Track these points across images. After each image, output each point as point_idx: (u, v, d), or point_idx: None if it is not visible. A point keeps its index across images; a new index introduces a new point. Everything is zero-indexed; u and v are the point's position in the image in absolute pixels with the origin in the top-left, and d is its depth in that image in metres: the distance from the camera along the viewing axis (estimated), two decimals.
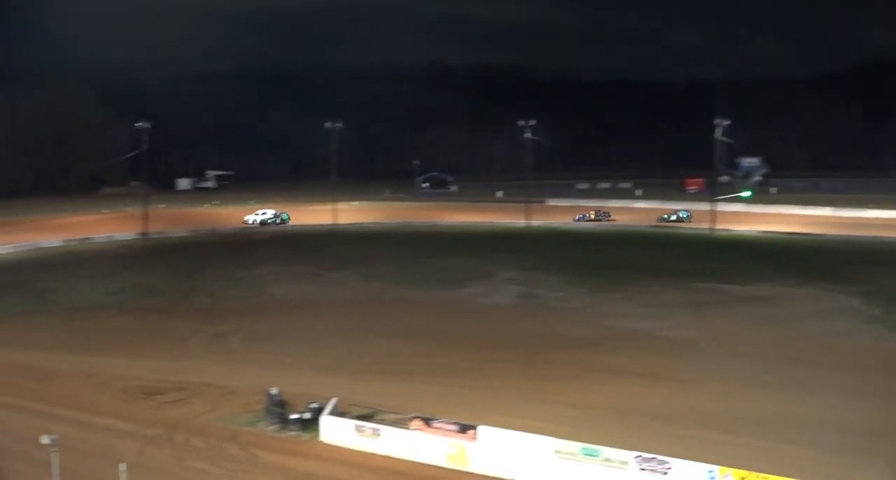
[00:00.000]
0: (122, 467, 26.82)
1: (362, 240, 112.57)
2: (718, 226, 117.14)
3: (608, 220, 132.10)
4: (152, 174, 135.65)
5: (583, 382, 52.06)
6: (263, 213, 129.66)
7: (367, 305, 75.76)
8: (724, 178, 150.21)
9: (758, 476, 35.44)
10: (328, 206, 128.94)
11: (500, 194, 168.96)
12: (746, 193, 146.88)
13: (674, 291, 79.22)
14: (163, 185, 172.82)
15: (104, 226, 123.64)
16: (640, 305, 74.30)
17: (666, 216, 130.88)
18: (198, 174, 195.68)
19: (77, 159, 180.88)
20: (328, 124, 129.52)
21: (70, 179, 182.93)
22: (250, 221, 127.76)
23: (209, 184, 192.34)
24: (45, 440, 28.32)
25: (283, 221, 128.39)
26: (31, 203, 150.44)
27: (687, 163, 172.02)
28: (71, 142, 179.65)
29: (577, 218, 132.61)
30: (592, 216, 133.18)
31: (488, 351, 59.44)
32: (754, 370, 54.36)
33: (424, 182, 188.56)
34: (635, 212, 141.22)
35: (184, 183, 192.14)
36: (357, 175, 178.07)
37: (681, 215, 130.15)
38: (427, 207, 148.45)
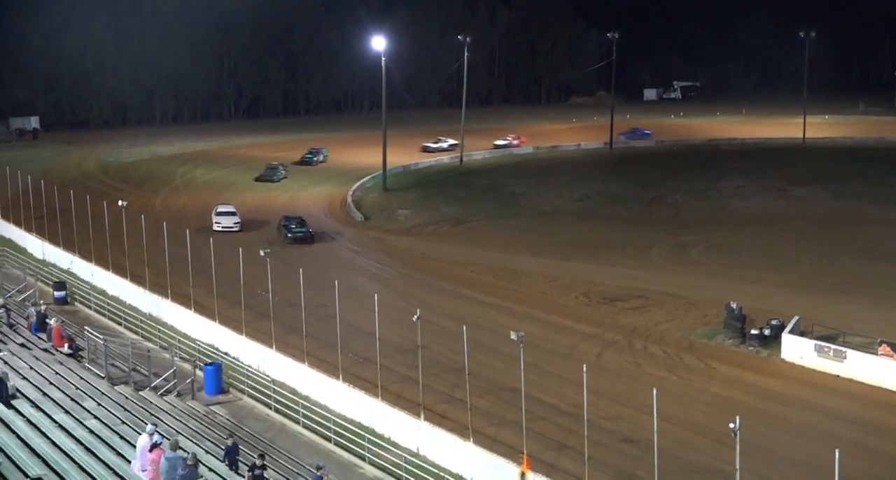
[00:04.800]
0: (584, 368, 27.74)
1: (833, 156, 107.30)
2: None
3: None
4: (619, 84, 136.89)
5: None
6: None
7: (836, 223, 72.78)
8: None
9: None
10: (798, 120, 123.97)
11: None
12: None
13: None
14: (629, 96, 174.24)
15: (572, 134, 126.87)
16: None
17: None
18: (664, 85, 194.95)
19: (549, 69, 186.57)
20: (802, 33, 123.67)
21: (541, 89, 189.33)
22: None
23: (675, 95, 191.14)
24: (513, 336, 29.79)
25: None
26: (504, 111, 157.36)
27: None
28: (543, 53, 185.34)
29: None
30: None
31: None
32: None
33: None
34: None
35: (650, 93, 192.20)
36: (830, 87, 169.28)
37: None
38: None
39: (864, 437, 33.38)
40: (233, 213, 70.46)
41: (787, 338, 43.23)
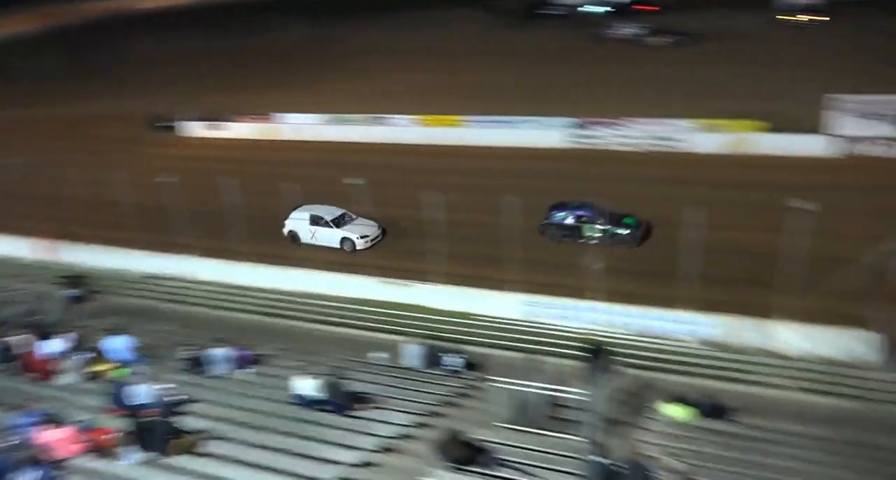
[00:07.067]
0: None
1: None
2: None
3: None
4: None
5: None
6: None
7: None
8: None
9: None
10: None
11: None
12: None
13: None
14: None
15: None
16: None
17: None
18: None
19: None
20: None
21: None
22: None
23: None
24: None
25: None
26: None
27: None
28: None
29: None
30: None
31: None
32: None
33: None
34: None
35: None
36: None
37: None
38: None
39: (305, 171, 38.16)
40: (351, 215, 32.97)
41: (184, 125, 50.82)
